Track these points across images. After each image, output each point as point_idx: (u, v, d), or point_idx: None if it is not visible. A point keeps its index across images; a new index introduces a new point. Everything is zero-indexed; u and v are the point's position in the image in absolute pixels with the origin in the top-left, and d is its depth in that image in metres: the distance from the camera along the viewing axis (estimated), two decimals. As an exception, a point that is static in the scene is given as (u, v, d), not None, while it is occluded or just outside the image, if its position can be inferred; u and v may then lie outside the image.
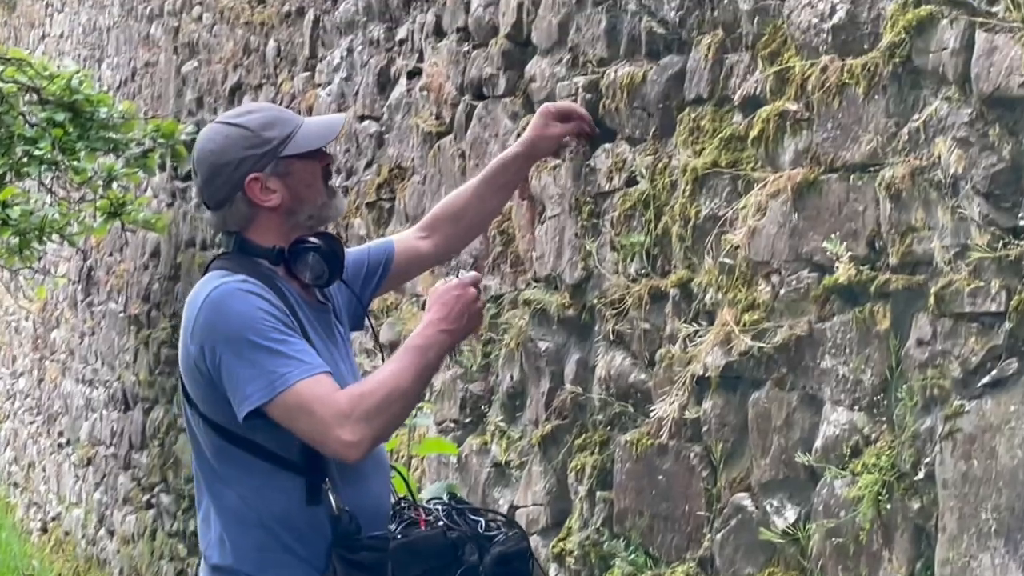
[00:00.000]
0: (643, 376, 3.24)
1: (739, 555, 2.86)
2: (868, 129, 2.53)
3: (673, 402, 3.05)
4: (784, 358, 2.76)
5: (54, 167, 6.85)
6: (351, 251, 2.79)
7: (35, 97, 6.84)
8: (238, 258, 2.54)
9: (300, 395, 2.36)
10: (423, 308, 2.54)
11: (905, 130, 2.44)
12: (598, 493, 3.41)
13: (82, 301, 9.59)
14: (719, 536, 2.92)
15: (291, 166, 2.53)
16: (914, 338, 2.42)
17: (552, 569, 3.56)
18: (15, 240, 7.13)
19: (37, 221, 7.08)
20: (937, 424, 2.37)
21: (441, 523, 2.58)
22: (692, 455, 3.04)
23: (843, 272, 2.56)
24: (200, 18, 7.29)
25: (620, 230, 3.32)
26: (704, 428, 3.00)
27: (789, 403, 2.74)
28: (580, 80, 3.49)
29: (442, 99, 4.43)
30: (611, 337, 3.36)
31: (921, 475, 2.40)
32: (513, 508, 3.78)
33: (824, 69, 2.64)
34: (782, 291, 2.76)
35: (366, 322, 2.82)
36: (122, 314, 8.93)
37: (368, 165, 5.12)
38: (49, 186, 7.61)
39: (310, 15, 5.67)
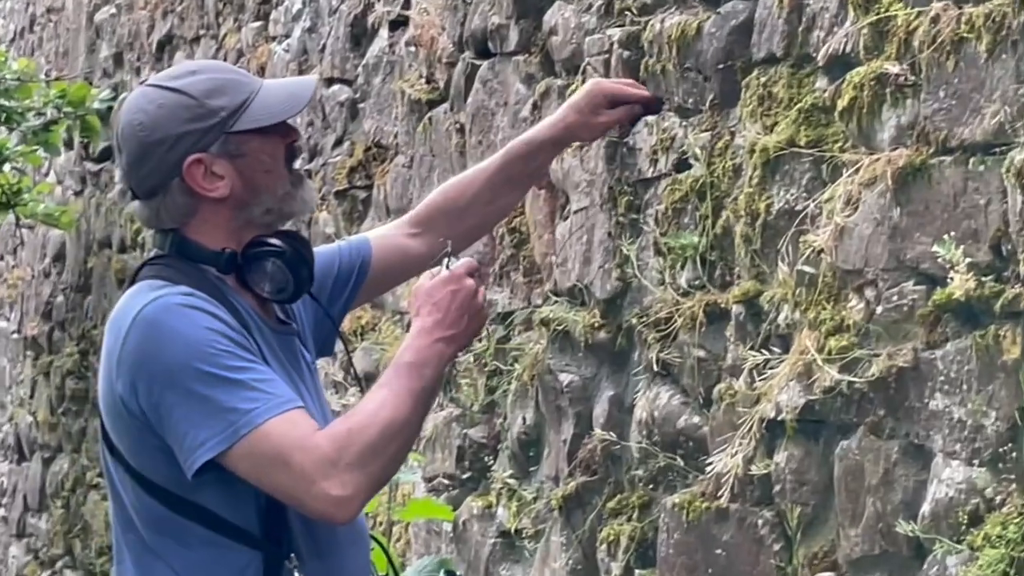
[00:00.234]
0: (697, 419, 3.24)
1: (822, 653, 2.86)
2: (992, 99, 2.53)
3: (736, 453, 3.05)
4: (881, 397, 2.75)
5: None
6: (319, 251, 2.79)
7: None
8: (176, 263, 2.54)
9: (270, 438, 2.36)
10: (408, 330, 2.54)
11: (1041, 100, 2.45)
12: (637, 572, 3.41)
13: (-37, 318, 9.62)
14: (796, 628, 2.93)
15: (245, 145, 2.52)
16: (1052, 371, 2.43)
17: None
18: None
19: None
20: (1082, 483, 2.37)
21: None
22: (760, 523, 3.04)
23: (959, 284, 2.56)
24: (119, -49, 7.34)
25: (667, 228, 3.32)
26: (776, 487, 3.00)
27: (888, 455, 2.74)
28: (615, 33, 3.50)
29: (435, 57, 4.44)
30: (655, 368, 3.36)
31: (1061, 550, 2.40)
32: (526, 590, 3.79)
33: (935, 20, 2.64)
34: (879, 309, 2.76)
35: (337, 344, 2.82)
36: (15, 335, 8.94)
37: (338, 143, 5.13)
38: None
39: (263, -53, 5.70)
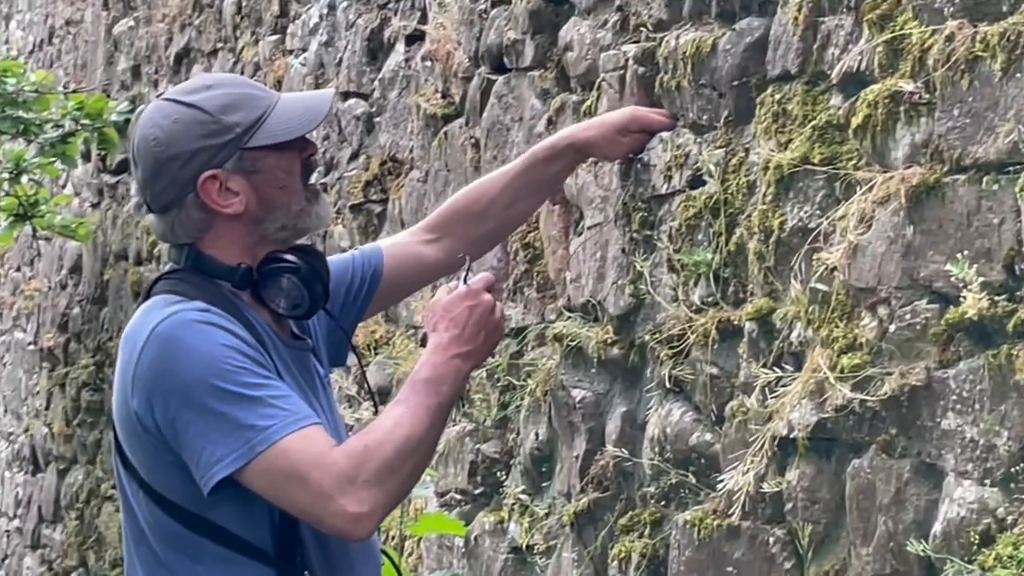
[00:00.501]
0: (709, 436, 3.24)
1: (833, 672, 2.86)
2: (1007, 117, 2.53)
3: (747, 471, 3.04)
4: (894, 415, 2.75)
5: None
6: (332, 261, 2.78)
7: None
8: (191, 278, 2.54)
9: (288, 455, 2.36)
10: (423, 344, 2.54)
11: (1055, 119, 2.44)
12: (649, 588, 3.41)
13: (-21, 329, 9.64)
14: (807, 647, 2.92)
15: (260, 161, 2.52)
16: (1065, 391, 2.42)
17: None
18: None
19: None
20: (1094, 504, 2.36)
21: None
22: (772, 540, 3.03)
23: (972, 303, 2.56)
24: (138, -36, 7.36)
25: (681, 245, 3.32)
26: (788, 505, 2.99)
27: (900, 474, 2.74)
28: (631, 49, 3.50)
29: (450, 71, 4.45)
30: (667, 385, 3.36)
31: (1073, 570, 2.39)
32: (537, 606, 3.79)
33: (950, 38, 2.64)
34: (892, 327, 2.76)
35: (351, 359, 2.82)
36: (32, 346, 8.96)
37: (353, 157, 5.14)
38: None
39: (280, -39, 5.72)
